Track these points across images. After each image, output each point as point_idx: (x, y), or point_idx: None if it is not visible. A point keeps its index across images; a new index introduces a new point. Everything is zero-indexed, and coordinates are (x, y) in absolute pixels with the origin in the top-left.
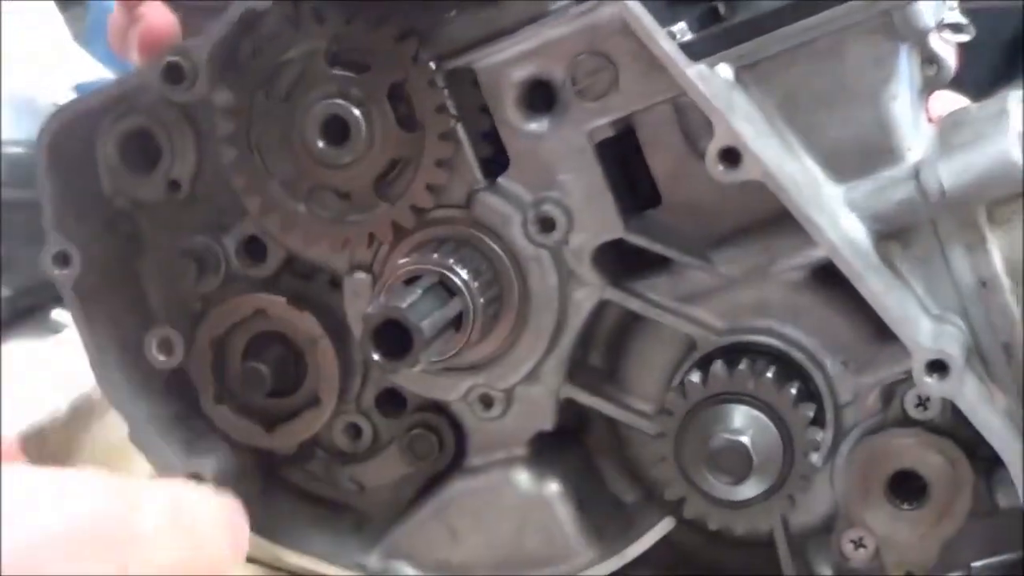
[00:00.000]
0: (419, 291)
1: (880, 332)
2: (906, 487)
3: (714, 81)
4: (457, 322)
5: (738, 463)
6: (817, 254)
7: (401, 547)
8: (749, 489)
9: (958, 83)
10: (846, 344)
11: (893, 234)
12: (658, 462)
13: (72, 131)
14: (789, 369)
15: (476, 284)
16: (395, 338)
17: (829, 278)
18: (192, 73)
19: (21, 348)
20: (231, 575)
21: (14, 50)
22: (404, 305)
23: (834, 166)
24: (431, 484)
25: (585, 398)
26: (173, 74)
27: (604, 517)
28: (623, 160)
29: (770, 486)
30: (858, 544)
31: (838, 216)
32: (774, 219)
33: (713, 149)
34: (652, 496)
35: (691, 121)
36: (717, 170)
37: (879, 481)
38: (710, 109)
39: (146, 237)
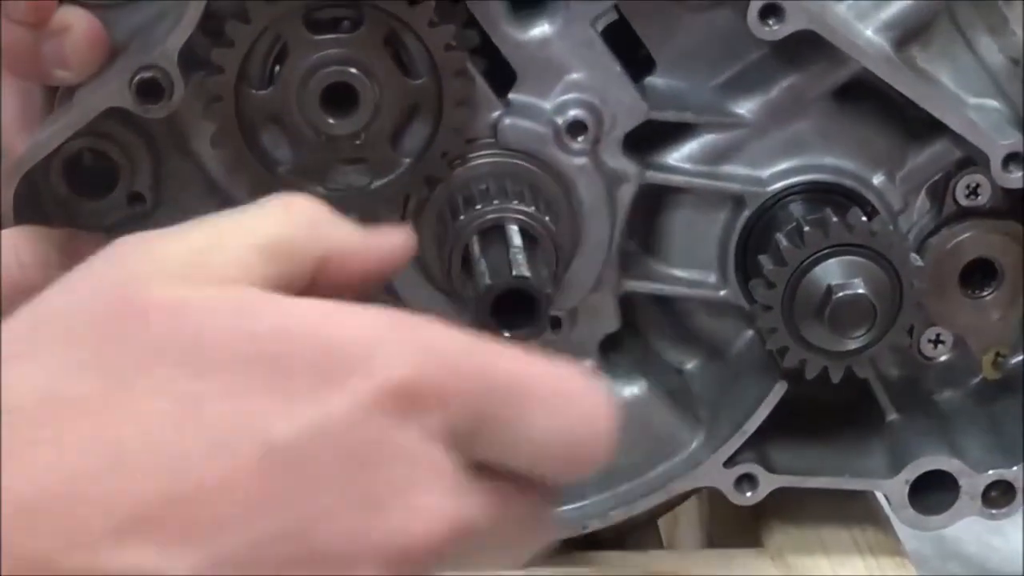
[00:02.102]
0: (519, 247)
1: (914, 135)
2: (978, 275)
3: None
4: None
5: (862, 314)
6: (841, 75)
7: None
8: (872, 333)
9: None
10: (885, 156)
11: (910, 37)
12: (769, 334)
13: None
14: (847, 199)
15: (546, 219)
16: (503, 305)
17: (853, 96)
18: (168, 85)
19: None
20: None
21: None
22: (525, 271)
23: None
24: None
25: (644, 286)
26: (148, 92)
27: (686, 395)
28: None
29: (887, 322)
30: (936, 341)
31: (857, 31)
32: (783, 51)
33: (754, 9)
34: (714, 358)
35: None
36: (763, 30)
37: (951, 276)
38: None
39: None
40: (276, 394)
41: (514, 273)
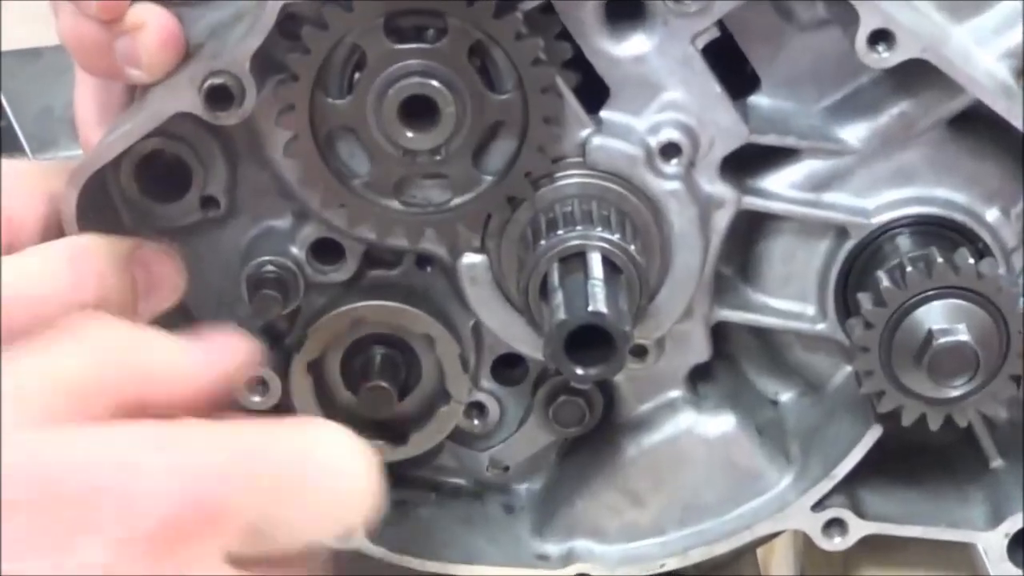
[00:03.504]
0: (600, 282)
1: None
2: None
3: None
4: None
5: (964, 362)
6: (956, 105)
7: (579, 525)
8: (974, 381)
9: None
10: (1000, 190)
11: None
12: (865, 376)
13: (92, 187)
14: (958, 234)
15: (632, 248)
16: (579, 340)
17: (968, 125)
18: (239, 91)
19: None
20: None
21: None
22: (602, 307)
23: (950, 6)
24: (575, 444)
25: (738, 316)
26: (218, 98)
27: (777, 431)
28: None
29: (992, 371)
30: None
31: (976, 60)
32: (896, 78)
33: (863, 34)
34: (810, 392)
35: None
36: (872, 57)
37: None
38: None
39: (190, 269)
40: (39, 549)
41: (590, 309)
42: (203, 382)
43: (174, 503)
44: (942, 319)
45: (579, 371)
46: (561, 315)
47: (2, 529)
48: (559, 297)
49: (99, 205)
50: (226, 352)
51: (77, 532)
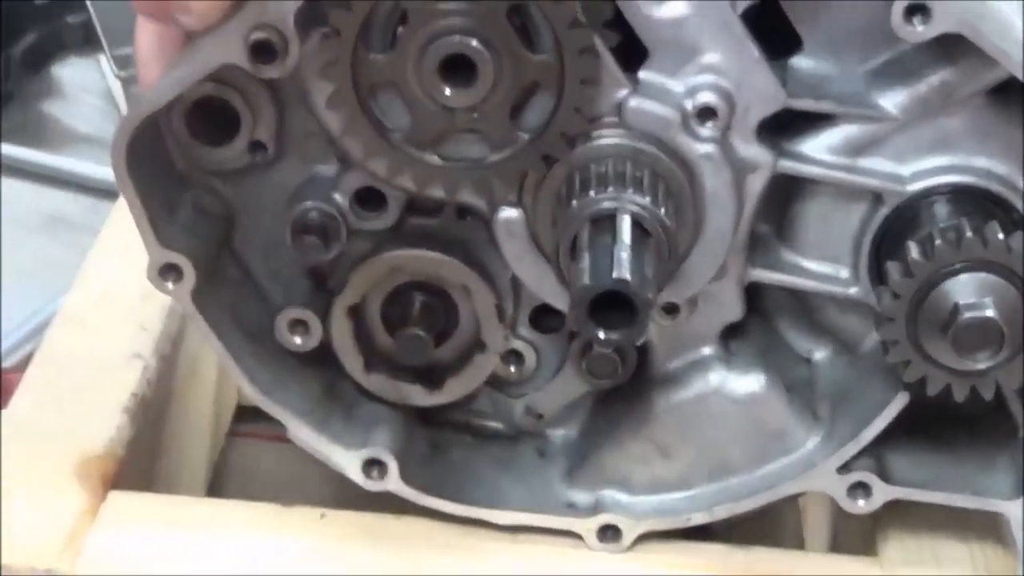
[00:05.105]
0: (627, 248)
1: None
2: None
3: None
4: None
5: (989, 336)
6: (997, 74)
7: (607, 474)
8: (1000, 355)
9: None
10: None
11: None
12: (892, 345)
13: (143, 131)
14: (994, 204)
15: (662, 211)
16: (605, 302)
17: (1010, 95)
18: (282, 46)
19: None
20: None
21: None
22: (626, 274)
23: None
24: (609, 395)
25: (771, 277)
26: (263, 52)
27: (807, 392)
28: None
29: (1017, 345)
30: None
31: (1014, 29)
32: (938, 46)
33: (899, 7)
34: (843, 352)
35: None
36: (907, 30)
37: None
38: None
39: (239, 211)
40: None
41: (614, 275)
42: None
43: None
44: (969, 293)
45: (600, 334)
46: (585, 279)
47: None
48: (586, 260)
49: (153, 146)
50: None
51: None
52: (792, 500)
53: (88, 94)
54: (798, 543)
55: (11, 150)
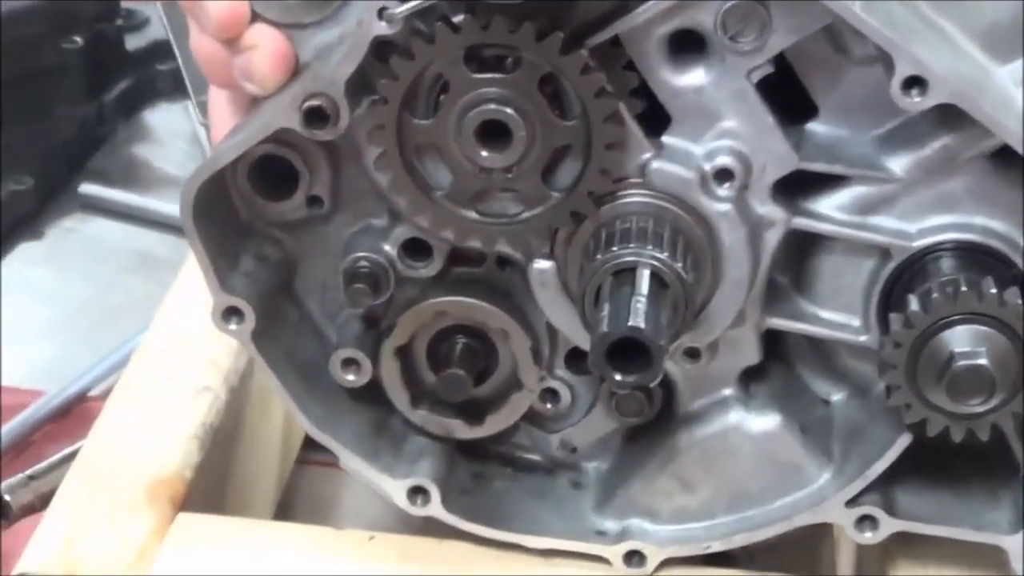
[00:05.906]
0: (644, 298)
1: None
2: None
3: (877, 8)
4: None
5: (982, 383)
6: (997, 140)
7: (635, 505)
8: (992, 401)
9: None
10: None
11: None
12: (894, 390)
13: (210, 185)
14: (995, 260)
15: (680, 265)
16: (624, 347)
17: (1009, 158)
18: (334, 112)
19: None
20: None
21: None
22: (641, 322)
23: (994, 48)
24: (638, 431)
25: (789, 325)
26: (315, 117)
27: (824, 431)
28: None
29: (1012, 391)
30: None
31: (1014, 101)
32: (940, 113)
33: (897, 80)
34: (858, 395)
35: (839, 31)
36: (906, 101)
37: None
38: (887, 43)
39: (298, 259)
40: None
41: (630, 323)
42: None
43: None
44: (964, 343)
45: (617, 377)
46: (604, 327)
47: None
48: (606, 309)
49: (218, 199)
50: None
51: None
52: (828, 532)
53: (177, 138)
54: (831, 571)
55: (104, 191)
